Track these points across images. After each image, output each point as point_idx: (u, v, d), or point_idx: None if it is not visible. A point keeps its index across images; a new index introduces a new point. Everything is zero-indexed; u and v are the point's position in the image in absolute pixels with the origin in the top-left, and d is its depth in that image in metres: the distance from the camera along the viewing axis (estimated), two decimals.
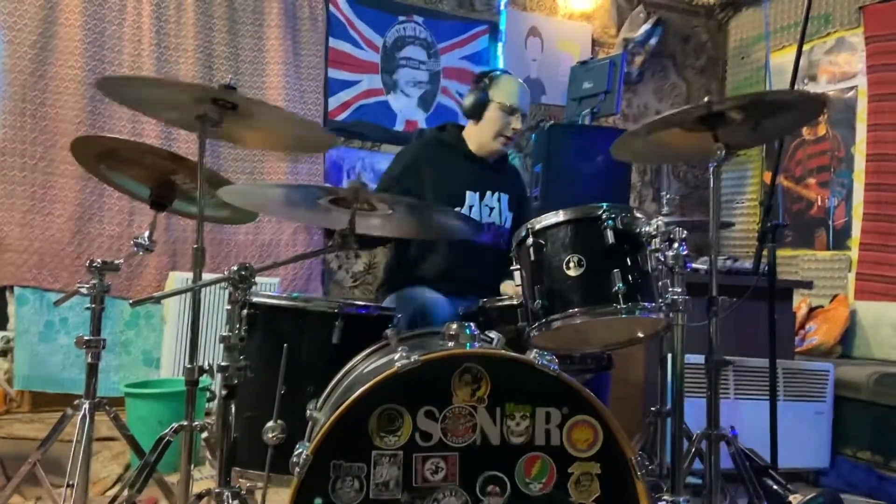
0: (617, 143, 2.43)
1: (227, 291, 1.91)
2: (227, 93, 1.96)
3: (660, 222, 2.05)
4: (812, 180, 5.37)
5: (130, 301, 1.93)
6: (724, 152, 2.23)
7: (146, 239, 2.35)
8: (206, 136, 2.06)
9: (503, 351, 1.78)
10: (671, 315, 2.05)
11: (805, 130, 5.39)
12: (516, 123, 3.00)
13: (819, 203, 5.30)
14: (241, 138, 2.29)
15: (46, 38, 4.24)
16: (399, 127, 5.20)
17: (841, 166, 5.16)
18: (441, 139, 3.10)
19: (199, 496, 1.95)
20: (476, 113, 3.01)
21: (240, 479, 2.05)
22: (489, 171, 3.07)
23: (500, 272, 2.93)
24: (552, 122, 5.31)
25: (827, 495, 2.69)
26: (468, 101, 3.04)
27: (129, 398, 3.35)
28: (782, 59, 5.63)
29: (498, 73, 3.07)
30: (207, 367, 1.96)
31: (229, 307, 1.90)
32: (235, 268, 1.89)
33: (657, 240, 2.03)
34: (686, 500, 2.04)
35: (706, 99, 2.20)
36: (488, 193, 3.03)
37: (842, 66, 5.22)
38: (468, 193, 2.99)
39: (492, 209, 3.04)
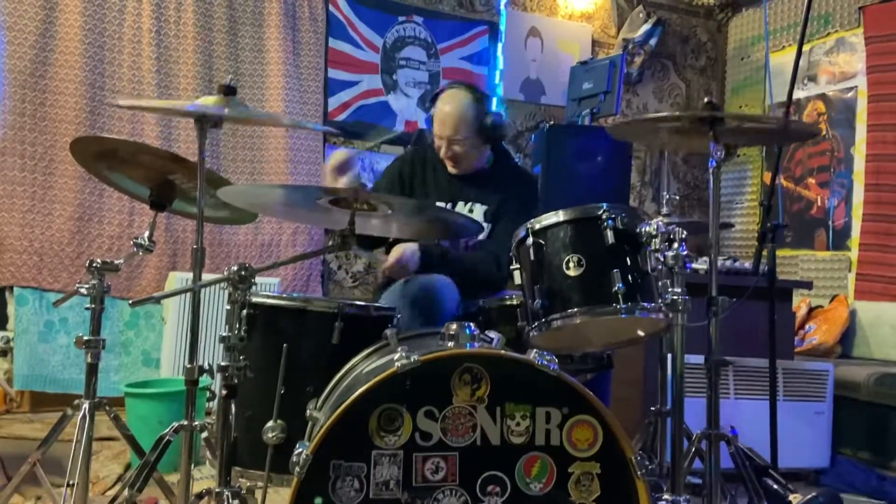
0: (616, 125, 2.42)
1: (226, 291, 1.92)
2: (221, 107, 1.95)
3: (659, 222, 2.05)
4: (812, 180, 5.38)
5: (130, 301, 1.93)
6: (723, 153, 2.24)
7: (146, 239, 2.35)
8: (205, 136, 2.06)
9: (503, 351, 1.78)
10: (671, 315, 2.05)
11: (802, 143, 5.40)
12: (442, 151, 2.93)
13: (819, 203, 5.30)
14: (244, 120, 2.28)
15: (46, 38, 4.25)
16: (399, 127, 5.21)
17: (841, 166, 5.17)
18: (417, 152, 3.11)
19: (200, 496, 1.95)
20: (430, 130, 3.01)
21: (240, 479, 2.05)
22: (464, 182, 3.00)
23: (468, 284, 2.89)
24: (552, 122, 5.31)
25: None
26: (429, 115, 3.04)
27: (128, 398, 3.34)
28: (782, 60, 5.64)
29: (439, 94, 2.99)
30: (207, 367, 1.96)
31: (229, 307, 1.90)
32: (235, 268, 1.89)
33: (657, 240, 2.03)
34: (686, 500, 2.04)
35: (706, 100, 2.20)
36: (460, 204, 2.98)
37: (841, 67, 5.23)
38: (437, 204, 2.95)
39: None
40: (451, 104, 2.91)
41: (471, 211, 2.97)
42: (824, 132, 5.27)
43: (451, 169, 2.98)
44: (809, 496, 2.56)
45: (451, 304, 2.58)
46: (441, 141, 2.92)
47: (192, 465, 2.08)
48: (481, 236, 2.97)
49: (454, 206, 2.96)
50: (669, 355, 2.27)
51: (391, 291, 2.70)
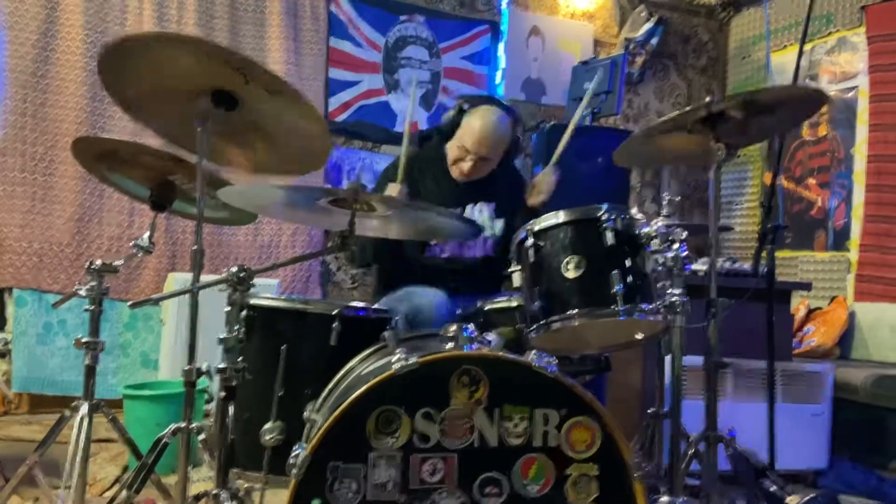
0: (618, 151, 2.43)
1: (225, 293, 1.91)
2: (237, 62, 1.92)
3: (659, 224, 2.05)
4: (812, 181, 5.37)
5: (129, 303, 1.93)
6: (724, 153, 2.23)
7: (146, 240, 2.35)
8: (205, 136, 2.05)
9: (501, 353, 1.78)
10: (670, 317, 2.05)
11: (805, 131, 5.39)
12: (465, 165, 2.87)
13: (819, 204, 5.30)
14: (237, 155, 2.26)
15: (48, 38, 4.25)
16: (399, 127, 5.20)
17: (841, 167, 5.16)
18: (419, 156, 3.05)
19: (197, 497, 1.95)
20: (446, 134, 2.95)
21: (238, 481, 2.05)
22: (465, 185, 2.97)
23: (490, 282, 2.91)
24: (553, 122, 5.31)
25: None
26: (444, 117, 2.98)
27: (127, 400, 3.34)
28: (783, 59, 5.63)
29: (477, 105, 2.91)
30: (206, 369, 1.96)
31: (228, 309, 1.90)
32: (234, 269, 1.89)
33: (656, 241, 2.04)
34: (684, 502, 2.04)
35: (707, 99, 2.20)
36: (469, 207, 2.98)
37: (843, 66, 5.22)
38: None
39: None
40: (492, 124, 2.86)
41: (480, 211, 2.98)
42: (825, 132, 5.26)
43: (457, 176, 2.95)
44: (807, 497, 2.56)
45: (442, 322, 2.58)
46: (467, 155, 2.87)
47: (190, 467, 2.08)
48: (497, 231, 2.98)
49: (463, 210, 2.96)
50: (668, 357, 2.27)
51: (383, 303, 2.70)
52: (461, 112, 2.91)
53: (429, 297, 2.65)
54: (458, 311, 2.49)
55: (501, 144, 2.90)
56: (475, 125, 2.85)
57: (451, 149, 2.92)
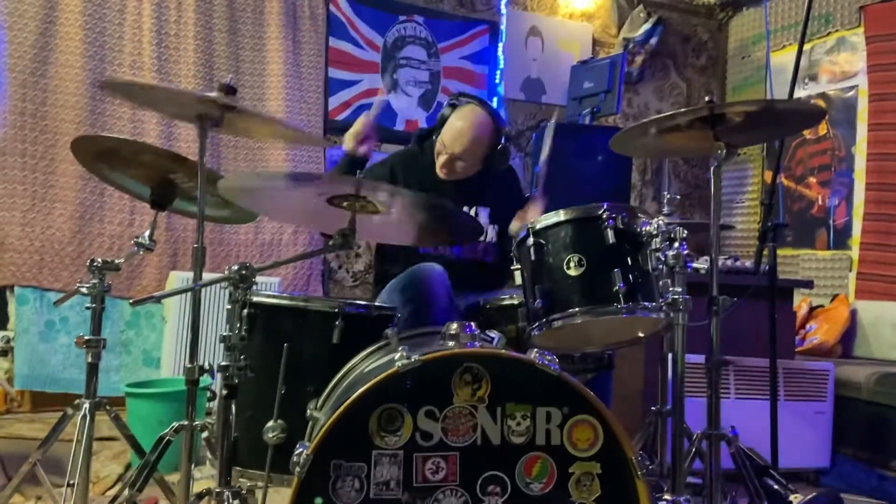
0: (616, 138, 2.43)
1: (227, 291, 1.91)
2: (226, 98, 1.95)
3: (660, 222, 2.05)
4: (813, 179, 5.37)
5: (131, 300, 1.93)
6: (724, 152, 2.23)
7: (147, 238, 2.35)
8: (206, 136, 2.06)
9: (504, 350, 1.78)
10: (671, 315, 2.05)
11: (806, 130, 5.38)
12: (440, 161, 2.87)
13: (820, 202, 5.30)
14: (243, 131, 2.28)
15: (47, 37, 4.25)
16: (399, 126, 5.20)
17: (842, 165, 5.16)
18: (414, 155, 3.04)
19: (200, 496, 1.95)
20: (436, 129, 2.94)
21: (240, 479, 2.05)
22: (465, 185, 2.94)
23: (484, 287, 2.89)
24: (553, 121, 5.31)
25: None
26: (439, 115, 2.95)
27: (129, 398, 3.34)
28: (783, 59, 5.63)
29: (462, 105, 2.88)
30: (208, 367, 1.96)
31: (230, 307, 1.90)
32: (236, 267, 1.89)
33: (657, 239, 2.04)
34: (686, 500, 2.03)
35: (707, 99, 2.20)
36: (465, 209, 2.93)
37: (842, 66, 5.22)
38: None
39: None
40: (470, 124, 2.83)
41: (477, 214, 2.96)
42: (825, 131, 5.26)
43: (441, 174, 2.92)
44: (810, 496, 2.55)
45: (440, 291, 2.55)
46: (446, 151, 2.85)
47: (193, 465, 2.08)
48: (489, 238, 2.97)
49: None
50: (670, 355, 2.27)
51: (386, 292, 2.68)
52: (451, 109, 2.90)
53: (425, 270, 2.62)
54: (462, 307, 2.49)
55: (477, 146, 2.85)
56: (455, 123, 2.84)
57: (437, 143, 2.91)
